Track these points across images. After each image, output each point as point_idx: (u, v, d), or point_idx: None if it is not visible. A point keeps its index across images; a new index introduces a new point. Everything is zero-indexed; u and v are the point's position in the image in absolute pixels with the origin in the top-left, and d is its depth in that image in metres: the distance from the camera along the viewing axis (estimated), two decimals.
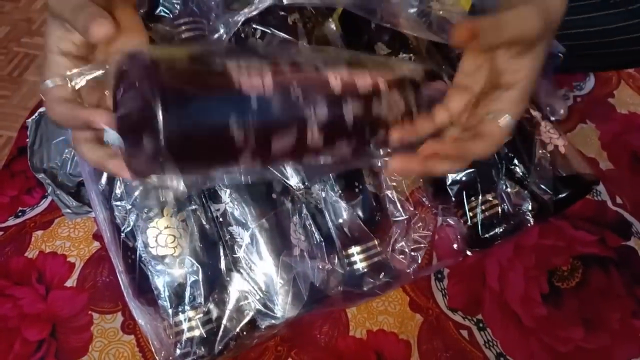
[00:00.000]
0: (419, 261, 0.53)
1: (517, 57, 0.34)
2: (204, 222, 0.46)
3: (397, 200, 0.54)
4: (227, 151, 0.28)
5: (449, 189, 0.56)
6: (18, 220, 0.61)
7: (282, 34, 0.50)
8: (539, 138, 0.57)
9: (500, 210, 0.55)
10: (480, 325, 0.55)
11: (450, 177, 0.56)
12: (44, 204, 0.63)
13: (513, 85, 0.35)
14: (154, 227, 0.43)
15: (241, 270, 0.46)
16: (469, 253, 0.57)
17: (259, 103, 0.28)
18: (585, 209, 0.63)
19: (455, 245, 0.58)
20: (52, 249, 0.58)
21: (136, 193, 0.44)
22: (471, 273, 0.59)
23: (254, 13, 0.46)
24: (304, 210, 0.49)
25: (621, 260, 0.60)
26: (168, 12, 0.47)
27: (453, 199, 0.56)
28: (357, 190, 0.51)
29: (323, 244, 0.49)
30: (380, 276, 0.50)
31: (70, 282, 0.56)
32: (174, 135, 0.24)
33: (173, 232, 0.44)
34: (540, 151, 0.56)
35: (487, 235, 0.55)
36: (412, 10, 0.50)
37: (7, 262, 0.57)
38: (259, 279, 0.45)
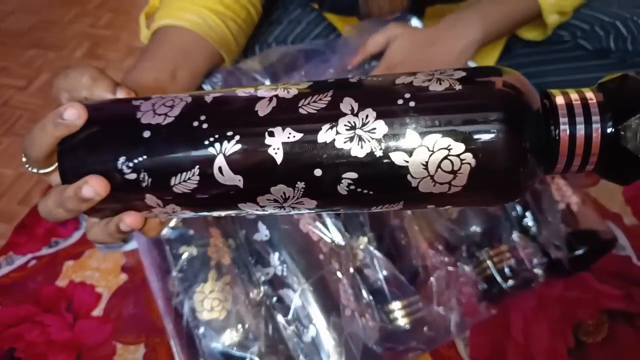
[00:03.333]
0: (458, 318, 0.55)
1: None
2: (247, 285, 0.49)
3: (435, 252, 0.56)
4: (127, 193, 0.28)
5: (463, 241, 0.59)
6: (51, 250, 0.66)
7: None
8: (551, 195, 0.60)
9: (510, 264, 0.58)
10: None
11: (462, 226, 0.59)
12: (77, 235, 0.68)
13: None
14: (200, 291, 0.47)
15: (292, 332, 0.48)
16: (482, 309, 0.59)
17: (153, 136, 0.26)
18: (609, 264, 0.65)
19: (474, 299, 0.60)
20: (82, 278, 0.63)
21: (183, 257, 0.48)
22: (494, 323, 0.61)
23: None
24: (351, 269, 0.52)
25: None
26: (211, 87, 0.53)
27: (465, 251, 0.59)
28: (397, 244, 0.54)
29: (373, 302, 0.51)
30: (424, 330, 0.52)
31: (97, 312, 0.60)
32: (67, 174, 0.28)
33: (218, 295, 0.47)
34: (552, 209, 0.59)
35: (497, 289, 0.58)
36: None
37: (39, 290, 0.62)
38: (310, 340, 0.47)
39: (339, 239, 0.52)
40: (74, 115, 0.27)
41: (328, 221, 0.52)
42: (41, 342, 0.57)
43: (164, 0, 0.53)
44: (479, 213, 0.59)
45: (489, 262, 0.58)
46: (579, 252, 0.58)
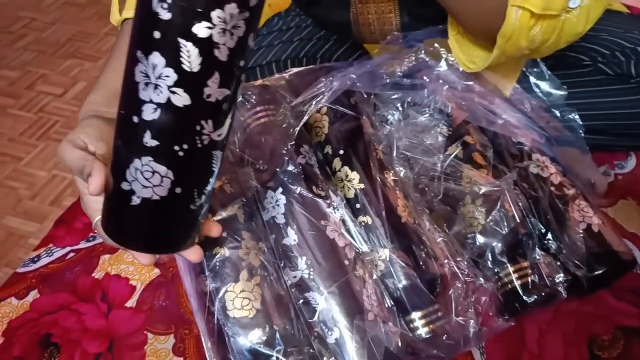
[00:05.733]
0: (477, 327, 0.57)
1: None
2: (276, 287, 0.53)
3: (454, 264, 0.58)
4: None
5: (487, 254, 0.63)
6: (89, 244, 0.72)
7: (343, 109, 0.61)
8: (572, 216, 0.63)
9: (532, 279, 0.60)
10: None
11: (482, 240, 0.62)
12: None
13: None
14: (231, 291, 0.50)
15: (317, 334, 0.51)
16: (500, 320, 0.62)
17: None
18: (626, 281, 0.68)
19: (490, 313, 0.63)
20: (117, 271, 0.68)
21: (216, 258, 0.52)
22: (510, 333, 0.63)
23: (321, 104, 0.57)
24: (374, 276, 0.55)
25: None
26: (244, 100, 0.58)
27: (489, 263, 0.62)
28: (417, 254, 0.56)
29: (394, 308, 0.54)
30: (444, 339, 0.55)
31: (130, 303, 0.65)
32: None
33: (248, 295, 0.50)
34: (573, 229, 0.62)
35: (517, 304, 0.60)
36: None
37: (76, 280, 0.67)
38: (334, 342, 0.50)
39: (363, 246, 0.55)
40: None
41: (352, 230, 0.56)
42: (76, 329, 0.62)
43: None
44: (503, 228, 0.62)
45: (513, 276, 0.61)
46: (598, 272, 0.61)
